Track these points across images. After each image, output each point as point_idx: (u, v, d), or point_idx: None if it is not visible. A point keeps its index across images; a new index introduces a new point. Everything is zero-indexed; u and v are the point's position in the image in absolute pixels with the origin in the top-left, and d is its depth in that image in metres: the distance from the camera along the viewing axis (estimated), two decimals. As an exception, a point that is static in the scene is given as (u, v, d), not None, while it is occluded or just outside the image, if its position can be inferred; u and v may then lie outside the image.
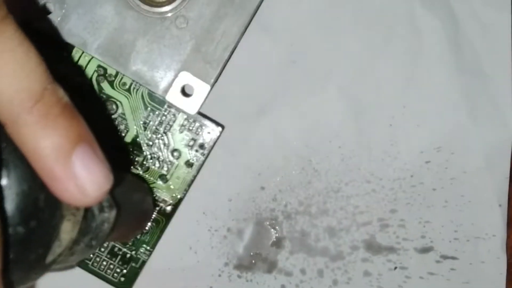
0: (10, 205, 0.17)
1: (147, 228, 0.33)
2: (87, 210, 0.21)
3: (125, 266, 0.33)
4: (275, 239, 0.35)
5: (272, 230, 0.35)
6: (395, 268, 0.35)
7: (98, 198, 0.18)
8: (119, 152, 0.32)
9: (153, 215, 0.33)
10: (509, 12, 0.34)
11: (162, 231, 0.33)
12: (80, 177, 0.18)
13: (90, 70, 0.32)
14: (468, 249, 0.35)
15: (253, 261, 0.35)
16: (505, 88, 0.34)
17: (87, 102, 0.32)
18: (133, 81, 0.32)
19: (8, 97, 0.17)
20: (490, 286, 0.35)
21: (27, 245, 0.18)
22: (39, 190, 0.18)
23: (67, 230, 0.20)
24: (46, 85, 0.17)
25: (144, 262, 0.33)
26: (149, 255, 0.33)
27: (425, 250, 0.35)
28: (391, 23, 0.34)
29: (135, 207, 0.30)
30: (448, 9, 0.34)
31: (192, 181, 0.33)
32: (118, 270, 0.33)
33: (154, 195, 0.33)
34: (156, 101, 0.32)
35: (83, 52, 0.32)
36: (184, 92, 0.32)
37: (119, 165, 0.32)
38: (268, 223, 0.35)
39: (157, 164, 0.33)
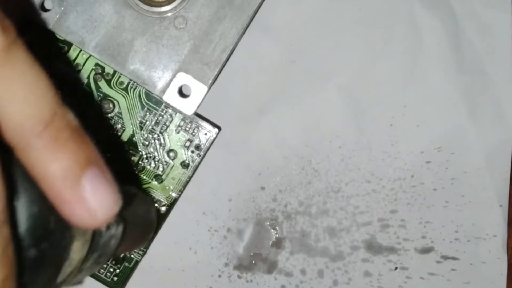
0: (21, 228, 0.17)
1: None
2: (95, 229, 0.22)
3: (118, 266, 0.33)
4: (275, 240, 0.35)
5: (272, 230, 0.35)
6: (396, 268, 0.35)
7: (107, 221, 0.18)
8: (116, 153, 0.32)
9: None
10: (509, 12, 0.34)
11: (156, 231, 0.33)
12: (90, 201, 0.18)
13: (88, 68, 0.32)
14: (468, 250, 0.35)
15: (253, 262, 0.35)
16: (505, 88, 0.34)
17: (83, 100, 0.32)
18: (131, 80, 0.32)
19: (18, 122, 0.17)
20: (491, 286, 0.35)
21: (39, 267, 0.18)
22: (49, 212, 0.18)
23: (77, 250, 0.20)
24: (56, 109, 0.17)
25: (137, 262, 0.33)
26: (142, 255, 0.33)
27: (426, 250, 0.35)
28: (391, 23, 0.34)
29: (141, 220, 0.30)
30: (448, 9, 0.34)
31: (188, 182, 0.33)
32: (111, 269, 0.33)
33: (149, 196, 0.33)
34: (153, 101, 0.32)
35: (81, 50, 0.32)
36: (182, 93, 0.31)
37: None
38: (268, 223, 0.35)
39: (153, 164, 0.33)
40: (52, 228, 0.18)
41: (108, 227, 0.23)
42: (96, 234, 0.22)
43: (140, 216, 0.30)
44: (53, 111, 0.17)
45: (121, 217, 0.24)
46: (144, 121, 0.32)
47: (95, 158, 0.18)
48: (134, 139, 0.33)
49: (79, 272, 0.22)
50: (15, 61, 0.17)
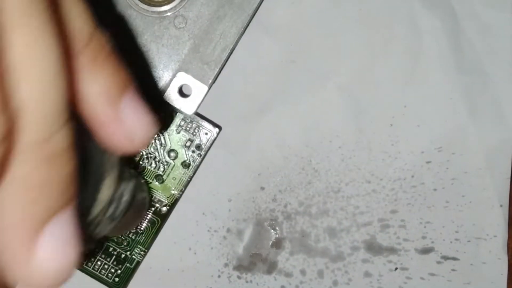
0: None
1: (142, 228, 0.33)
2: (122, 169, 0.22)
3: (120, 266, 0.33)
4: (275, 240, 0.35)
5: (272, 230, 0.35)
6: (396, 269, 0.35)
7: (144, 144, 0.18)
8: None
9: (149, 216, 0.33)
10: (509, 12, 0.34)
11: (157, 232, 0.33)
12: (128, 123, 0.18)
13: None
14: (469, 250, 0.35)
15: (253, 262, 0.35)
16: (505, 88, 0.34)
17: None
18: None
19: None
20: (491, 286, 0.35)
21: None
22: (88, 139, 0.18)
23: (105, 188, 0.20)
24: (93, 31, 0.17)
25: (138, 263, 0.33)
26: (143, 256, 0.33)
27: (426, 250, 0.35)
28: (391, 23, 0.34)
29: (137, 202, 0.30)
30: (448, 9, 0.34)
31: (189, 182, 0.33)
32: (112, 270, 0.33)
33: (151, 196, 0.33)
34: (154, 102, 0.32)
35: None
36: (182, 93, 0.31)
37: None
38: (268, 223, 0.35)
39: (154, 164, 0.33)
40: (91, 155, 0.18)
41: (122, 178, 0.23)
42: (120, 176, 0.22)
43: (138, 199, 0.30)
44: (90, 33, 0.17)
45: (130, 174, 0.24)
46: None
47: (130, 82, 0.18)
48: (134, 139, 0.32)
49: (97, 224, 0.21)
50: None
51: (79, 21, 0.16)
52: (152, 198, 0.33)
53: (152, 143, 0.32)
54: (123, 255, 0.33)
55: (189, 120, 0.32)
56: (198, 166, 0.33)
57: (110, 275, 0.33)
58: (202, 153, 0.32)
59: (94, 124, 0.17)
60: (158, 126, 0.18)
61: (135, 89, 0.18)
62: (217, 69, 0.31)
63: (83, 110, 0.17)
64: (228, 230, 0.35)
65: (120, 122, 0.17)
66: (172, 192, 0.33)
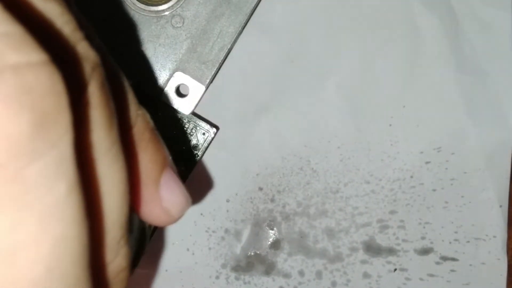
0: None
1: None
2: None
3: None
4: (273, 241, 0.35)
5: (270, 231, 0.35)
6: (395, 269, 0.35)
7: (179, 218, 0.19)
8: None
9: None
10: (509, 11, 0.34)
11: (153, 233, 0.33)
12: (166, 200, 0.18)
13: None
14: (468, 250, 0.35)
15: (251, 263, 0.35)
16: (505, 88, 0.34)
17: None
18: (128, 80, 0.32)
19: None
20: (490, 287, 0.35)
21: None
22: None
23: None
24: (138, 111, 0.17)
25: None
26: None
27: (425, 251, 0.35)
28: (390, 22, 0.34)
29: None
30: (448, 8, 0.34)
31: (184, 182, 0.32)
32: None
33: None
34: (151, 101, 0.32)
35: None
36: (179, 92, 0.31)
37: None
38: (266, 224, 0.35)
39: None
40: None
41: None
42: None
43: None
44: (136, 114, 0.17)
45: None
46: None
47: (170, 160, 0.19)
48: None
49: None
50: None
51: (125, 104, 0.17)
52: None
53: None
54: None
55: (187, 120, 0.32)
56: (194, 166, 0.33)
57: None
58: (200, 153, 0.32)
59: (133, 202, 0.18)
60: (191, 202, 0.20)
61: (172, 162, 0.19)
62: (215, 69, 0.31)
63: None
64: (226, 231, 0.35)
65: (160, 200, 0.18)
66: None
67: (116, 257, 0.16)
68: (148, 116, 0.18)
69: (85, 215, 0.13)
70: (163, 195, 0.18)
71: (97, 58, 0.15)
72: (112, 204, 0.15)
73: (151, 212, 0.18)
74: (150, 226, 0.33)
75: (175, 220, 0.19)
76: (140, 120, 0.17)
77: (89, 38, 0.15)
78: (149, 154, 0.18)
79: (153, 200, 0.18)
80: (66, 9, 0.14)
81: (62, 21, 0.14)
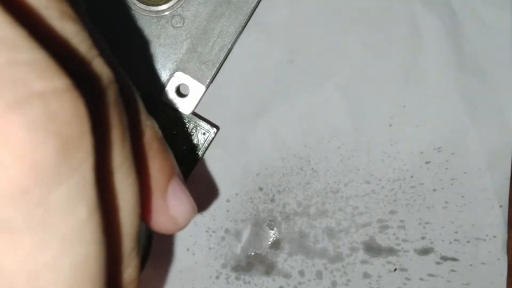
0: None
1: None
2: None
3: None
4: (273, 241, 0.35)
5: (270, 231, 0.35)
6: (395, 269, 0.35)
7: (186, 226, 0.20)
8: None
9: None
10: (509, 11, 0.34)
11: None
12: (173, 209, 0.19)
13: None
14: (468, 250, 0.35)
15: (251, 263, 0.35)
16: (505, 88, 0.34)
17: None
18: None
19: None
20: (490, 287, 0.35)
21: None
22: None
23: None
24: (146, 122, 0.18)
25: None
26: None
27: (425, 251, 0.35)
28: (391, 22, 0.34)
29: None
30: (448, 8, 0.34)
31: (185, 181, 0.32)
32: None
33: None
34: (150, 101, 0.32)
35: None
36: (179, 92, 0.31)
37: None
38: (266, 224, 0.35)
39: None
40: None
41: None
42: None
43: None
44: (144, 124, 0.17)
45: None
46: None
47: (176, 167, 0.19)
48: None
49: None
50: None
51: (136, 115, 0.17)
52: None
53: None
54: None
55: (187, 120, 0.32)
56: (195, 166, 0.32)
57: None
58: (200, 153, 0.32)
59: (144, 210, 0.18)
60: (197, 210, 0.20)
61: (179, 171, 0.19)
62: (215, 69, 0.31)
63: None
64: (226, 231, 0.35)
65: (167, 208, 0.19)
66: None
67: (127, 268, 0.16)
68: (156, 126, 0.18)
69: (104, 235, 0.13)
70: (170, 204, 0.19)
71: (111, 75, 0.15)
72: (125, 218, 0.15)
73: (158, 221, 0.19)
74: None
75: (181, 228, 0.19)
76: (149, 130, 0.18)
77: (102, 52, 0.15)
78: (158, 164, 0.18)
79: (160, 209, 0.18)
80: (82, 26, 0.14)
81: (78, 40, 0.14)
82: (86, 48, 0.14)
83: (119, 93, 0.15)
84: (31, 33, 0.12)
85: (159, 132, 0.18)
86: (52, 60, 0.12)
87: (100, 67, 0.14)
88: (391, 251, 0.35)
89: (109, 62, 0.15)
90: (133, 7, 0.31)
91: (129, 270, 0.16)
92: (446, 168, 0.34)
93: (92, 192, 0.13)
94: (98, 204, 0.13)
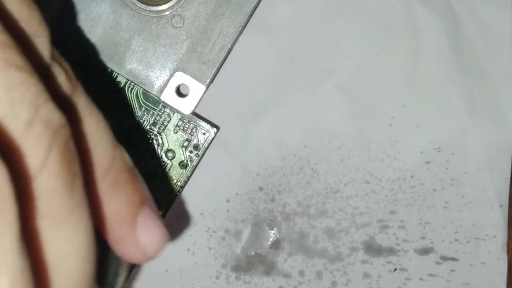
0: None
1: None
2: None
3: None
4: (273, 241, 0.35)
5: (271, 231, 0.35)
6: (395, 269, 0.35)
7: (156, 256, 0.19)
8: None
9: None
10: (509, 10, 0.34)
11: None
12: (142, 239, 0.18)
13: (85, 68, 0.32)
14: (468, 250, 0.35)
15: (251, 263, 0.35)
16: (505, 88, 0.34)
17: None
18: (128, 80, 0.32)
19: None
20: (490, 287, 0.35)
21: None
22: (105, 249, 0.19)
23: (120, 282, 0.22)
24: (115, 152, 0.17)
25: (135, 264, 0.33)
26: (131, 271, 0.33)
27: (425, 251, 0.35)
28: (390, 22, 0.34)
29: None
30: (448, 8, 0.34)
31: (186, 182, 0.32)
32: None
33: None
34: (150, 101, 0.32)
35: (78, 51, 0.32)
36: (179, 92, 0.31)
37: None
38: (266, 224, 0.35)
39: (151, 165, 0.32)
40: (107, 262, 0.20)
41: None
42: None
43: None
44: (112, 154, 0.17)
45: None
46: (141, 121, 0.32)
47: (148, 197, 0.19)
48: (131, 139, 0.32)
49: None
50: (78, 107, 0.16)
51: (100, 151, 0.17)
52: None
53: (149, 143, 0.32)
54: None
55: (187, 120, 0.32)
56: (195, 167, 0.32)
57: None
58: (200, 153, 0.32)
59: (110, 240, 0.18)
60: (168, 240, 0.20)
61: (152, 201, 0.19)
62: (215, 69, 0.31)
63: (100, 226, 0.18)
64: (226, 231, 0.35)
65: (135, 239, 0.18)
66: (169, 192, 0.32)
67: None
68: (126, 155, 0.18)
69: None
70: (139, 234, 0.18)
71: (62, 119, 0.14)
72: (76, 266, 0.15)
73: (127, 251, 0.18)
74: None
75: (151, 258, 0.19)
76: (117, 161, 0.17)
77: (58, 89, 0.15)
78: (126, 195, 0.18)
79: (129, 240, 0.18)
80: (28, 72, 0.14)
81: (24, 89, 0.14)
82: (32, 95, 0.14)
83: (70, 138, 0.15)
84: None
85: (129, 161, 0.18)
86: None
87: (48, 113, 0.14)
88: (391, 251, 0.35)
89: (66, 100, 0.15)
90: (133, 7, 0.31)
91: None
92: (446, 168, 0.34)
93: (15, 261, 0.12)
94: (23, 272, 0.12)
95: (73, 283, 0.15)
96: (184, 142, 0.32)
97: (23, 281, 0.12)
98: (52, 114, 0.14)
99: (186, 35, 0.31)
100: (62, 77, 0.16)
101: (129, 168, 0.18)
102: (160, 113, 0.32)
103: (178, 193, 0.33)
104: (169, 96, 0.31)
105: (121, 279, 0.22)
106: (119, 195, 0.18)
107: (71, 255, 0.15)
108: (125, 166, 0.18)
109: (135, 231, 0.18)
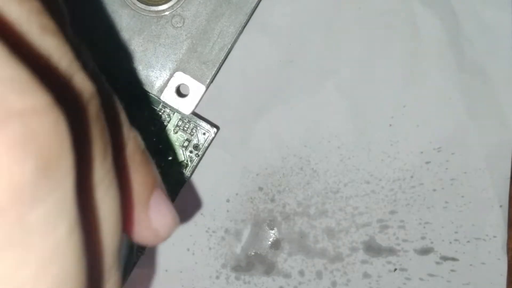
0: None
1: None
2: None
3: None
4: (273, 241, 0.35)
5: (270, 231, 0.35)
6: (395, 269, 0.35)
7: (167, 238, 0.19)
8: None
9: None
10: (509, 11, 0.34)
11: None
12: (155, 221, 0.19)
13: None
14: (468, 250, 0.35)
15: (251, 263, 0.35)
16: (505, 88, 0.34)
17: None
18: (128, 80, 0.32)
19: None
20: (490, 287, 0.35)
21: None
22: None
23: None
24: (129, 133, 0.17)
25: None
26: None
27: (425, 251, 0.35)
28: (390, 22, 0.34)
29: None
30: (448, 8, 0.34)
31: (186, 182, 0.32)
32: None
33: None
34: (150, 101, 0.32)
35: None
36: (179, 92, 0.31)
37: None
38: (266, 224, 0.35)
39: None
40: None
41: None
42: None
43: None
44: (127, 135, 0.17)
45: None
46: (141, 121, 0.32)
47: (159, 180, 0.19)
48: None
49: None
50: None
51: (117, 129, 0.17)
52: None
53: (149, 143, 0.32)
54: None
55: (187, 120, 0.32)
56: (195, 167, 0.32)
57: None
58: (200, 153, 0.32)
59: (124, 222, 0.18)
60: (180, 223, 0.20)
61: (162, 183, 0.19)
62: (215, 69, 0.31)
63: None
64: (226, 231, 0.35)
65: (148, 221, 0.18)
66: (169, 193, 0.32)
67: (107, 283, 0.16)
68: (139, 138, 0.18)
69: (84, 252, 0.13)
70: (152, 216, 0.18)
71: (93, 88, 0.15)
72: (105, 234, 0.15)
73: (140, 233, 0.19)
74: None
75: (163, 240, 0.19)
76: (131, 142, 0.17)
77: (85, 64, 0.15)
78: (140, 176, 0.18)
79: (142, 222, 0.18)
80: (63, 39, 0.14)
81: (60, 54, 0.14)
82: (67, 62, 0.14)
83: (101, 107, 0.15)
84: (9, 49, 0.12)
85: (142, 144, 0.18)
86: (31, 76, 0.12)
87: (82, 81, 0.14)
88: (391, 251, 0.35)
89: (92, 73, 0.15)
90: (133, 7, 0.31)
91: (109, 285, 0.16)
92: (446, 168, 0.34)
93: (72, 210, 0.13)
94: (78, 222, 0.13)
95: (112, 241, 0.16)
96: (184, 142, 0.32)
97: (78, 231, 0.13)
98: (84, 82, 0.14)
99: (186, 35, 0.31)
100: (87, 55, 0.16)
101: (142, 150, 0.18)
102: (160, 113, 0.32)
103: (178, 193, 0.33)
104: (169, 96, 0.31)
105: (130, 264, 0.22)
106: (133, 176, 0.18)
107: (103, 221, 0.15)
108: (138, 147, 0.18)
109: (148, 212, 0.18)
